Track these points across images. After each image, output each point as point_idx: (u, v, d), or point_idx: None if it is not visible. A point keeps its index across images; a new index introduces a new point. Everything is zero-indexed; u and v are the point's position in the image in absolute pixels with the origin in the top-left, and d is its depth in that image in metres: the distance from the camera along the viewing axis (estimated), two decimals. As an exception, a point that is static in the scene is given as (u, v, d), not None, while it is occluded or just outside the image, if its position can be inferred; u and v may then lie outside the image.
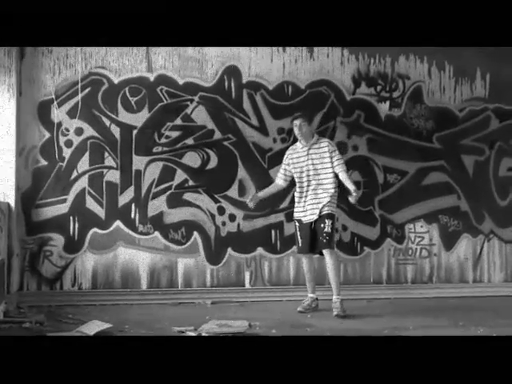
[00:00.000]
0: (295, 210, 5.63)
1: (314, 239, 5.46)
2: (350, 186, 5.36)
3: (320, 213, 5.42)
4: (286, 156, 5.72)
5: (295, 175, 5.63)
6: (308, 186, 5.54)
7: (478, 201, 6.83)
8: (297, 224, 5.62)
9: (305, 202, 5.53)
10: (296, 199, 5.62)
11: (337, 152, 5.52)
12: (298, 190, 5.61)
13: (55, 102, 6.02)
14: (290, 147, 5.75)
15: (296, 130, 5.58)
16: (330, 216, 5.42)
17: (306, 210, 5.51)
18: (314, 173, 5.51)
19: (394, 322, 5.04)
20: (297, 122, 5.56)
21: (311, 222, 5.48)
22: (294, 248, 6.23)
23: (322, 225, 5.39)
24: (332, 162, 5.47)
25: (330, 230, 5.38)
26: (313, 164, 5.52)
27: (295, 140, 6.11)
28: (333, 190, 5.47)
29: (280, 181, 5.77)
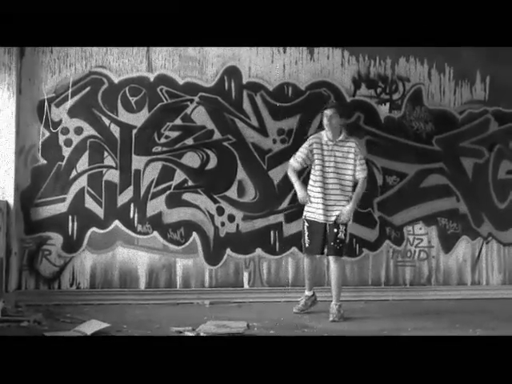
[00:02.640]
0: (307, 208, 5.43)
1: (325, 241, 5.34)
2: (354, 201, 5.28)
3: (335, 218, 5.28)
4: (309, 142, 5.42)
5: (314, 168, 5.38)
6: (326, 183, 5.31)
7: (476, 203, 6.84)
8: (306, 224, 5.44)
9: (323, 200, 5.30)
10: (310, 197, 5.39)
11: (363, 157, 5.40)
12: (314, 186, 5.38)
13: (46, 104, 6.00)
14: (314, 135, 5.54)
15: (325, 121, 5.33)
16: (345, 222, 5.32)
17: (320, 209, 5.31)
18: (334, 170, 5.31)
19: (392, 323, 5.05)
20: (328, 113, 5.30)
21: (325, 224, 5.34)
22: (293, 249, 6.24)
23: (336, 230, 5.27)
24: (355, 166, 5.32)
25: (343, 236, 5.27)
26: (335, 162, 5.32)
27: (295, 141, 6.14)
28: (351, 195, 5.34)
29: (297, 165, 5.45)
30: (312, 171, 5.46)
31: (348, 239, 5.56)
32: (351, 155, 5.33)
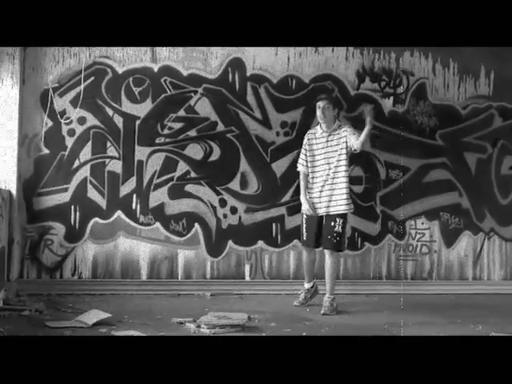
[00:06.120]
0: (301, 201, 5.47)
1: (319, 234, 5.34)
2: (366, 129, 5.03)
3: (330, 209, 5.25)
4: (305, 140, 5.48)
5: (309, 164, 5.41)
6: (323, 176, 5.31)
7: (479, 199, 6.84)
8: (304, 216, 5.46)
9: (320, 193, 5.31)
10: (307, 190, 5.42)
11: (355, 129, 5.24)
12: (310, 180, 5.41)
13: (51, 92, 5.99)
14: (309, 131, 5.57)
15: (319, 113, 5.32)
16: (342, 215, 5.25)
17: (319, 202, 5.32)
18: (327, 162, 5.29)
19: (393, 317, 5.05)
20: (321, 104, 5.29)
21: (320, 218, 5.33)
22: (295, 242, 6.24)
23: (332, 223, 5.22)
24: (351, 140, 5.14)
25: (340, 229, 5.21)
26: (330, 152, 5.29)
27: (298, 134, 6.13)
28: (346, 185, 5.26)
29: (303, 168, 5.46)
30: (309, 165, 5.46)
31: (346, 233, 5.49)
32: (343, 139, 5.26)
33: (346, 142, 5.24)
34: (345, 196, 5.27)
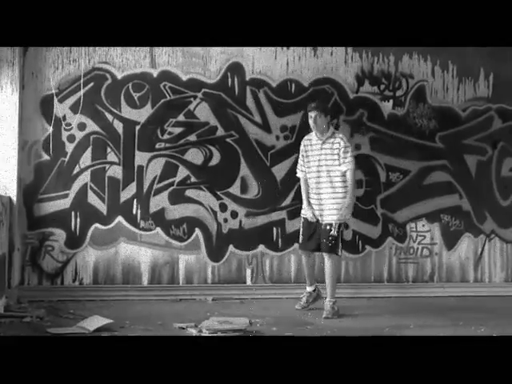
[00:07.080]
0: (303, 206, 5.51)
1: (317, 238, 5.34)
2: (349, 197, 5.23)
3: (328, 217, 5.26)
4: (301, 146, 5.52)
5: (307, 170, 5.46)
6: (317, 183, 5.34)
7: (479, 201, 6.83)
8: (302, 220, 5.49)
9: (314, 199, 5.36)
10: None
11: (348, 149, 5.27)
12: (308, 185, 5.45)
13: (55, 98, 6.00)
14: (306, 137, 5.56)
15: (310, 122, 5.34)
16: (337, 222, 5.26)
17: (318, 209, 5.34)
18: (323, 169, 5.31)
19: (394, 320, 5.05)
20: (312, 114, 5.31)
21: (316, 222, 5.34)
22: (296, 245, 6.23)
23: (328, 227, 5.24)
24: (339, 160, 5.24)
25: (335, 233, 5.22)
26: (324, 160, 5.31)
27: (298, 138, 6.13)
28: (341, 194, 5.26)
29: (302, 174, 5.53)
30: (306, 171, 5.50)
31: (343, 236, 5.44)
32: (336, 150, 5.28)
33: (339, 154, 5.26)
34: (337, 206, 5.27)
